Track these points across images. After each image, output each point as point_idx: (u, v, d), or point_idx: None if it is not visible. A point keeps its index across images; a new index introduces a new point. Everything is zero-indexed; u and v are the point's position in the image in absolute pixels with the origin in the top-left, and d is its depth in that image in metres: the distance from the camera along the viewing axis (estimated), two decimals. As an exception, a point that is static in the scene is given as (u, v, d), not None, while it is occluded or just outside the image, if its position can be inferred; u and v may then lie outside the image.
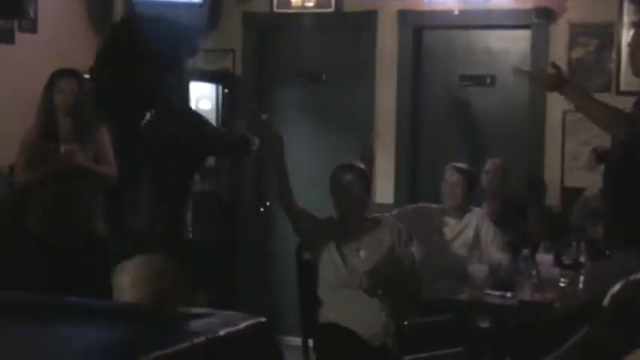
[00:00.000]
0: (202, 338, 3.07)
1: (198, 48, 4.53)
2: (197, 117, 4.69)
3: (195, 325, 3.24)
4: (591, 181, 5.67)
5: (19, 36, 6.60)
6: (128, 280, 3.34)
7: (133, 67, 4.25)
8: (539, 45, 6.89)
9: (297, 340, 5.04)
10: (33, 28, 6.69)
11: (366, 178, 5.06)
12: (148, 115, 4.37)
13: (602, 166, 5.10)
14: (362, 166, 5.10)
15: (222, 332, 3.16)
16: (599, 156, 5.25)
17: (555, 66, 4.74)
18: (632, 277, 4.14)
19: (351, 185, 4.93)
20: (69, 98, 5.85)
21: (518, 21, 6.94)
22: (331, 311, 4.86)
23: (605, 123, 4.79)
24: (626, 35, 6.25)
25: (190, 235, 4.61)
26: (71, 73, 5.97)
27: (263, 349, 3.33)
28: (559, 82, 4.60)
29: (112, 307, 3.54)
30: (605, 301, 4.17)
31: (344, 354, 4.73)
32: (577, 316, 4.44)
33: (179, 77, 4.52)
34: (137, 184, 4.38)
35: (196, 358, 2.98)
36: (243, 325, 3.27)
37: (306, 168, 6.58)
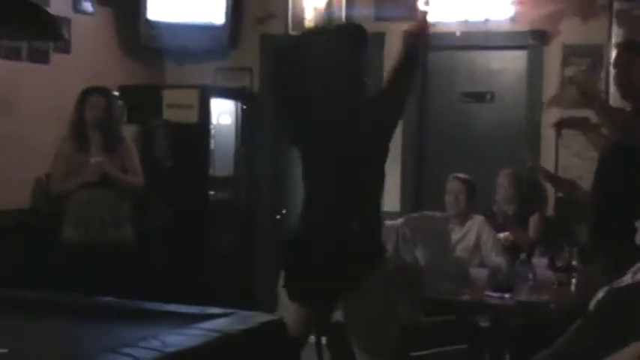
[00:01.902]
0: (222, 335, 3.10)
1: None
2: None
3: (216, 323, 3.27)
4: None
5: (53, 56, 6.64)
6: None
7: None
8: (535, 64, 6.92)
9: (310, 338, 5.04)
10: (66, 49, 6.73)
11: None
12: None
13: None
14: None
15: (241, 330, 3.19)
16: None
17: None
18: (615, 284, 4.16)
19: None
20: (99, 113, 5.88)
21: (516, 42, 6.95)
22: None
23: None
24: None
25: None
26: (101, 91, 6.00)
27: (279, 346, 3.36)
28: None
29: (140, 308, 3.58)
30: (591, 306, 4.19)
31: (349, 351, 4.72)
32: (569, 316, 4.45)
33: None
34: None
35: (217, 354, 3.01)
36: (260, 323, 3.30)
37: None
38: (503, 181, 6.37)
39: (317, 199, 4.01)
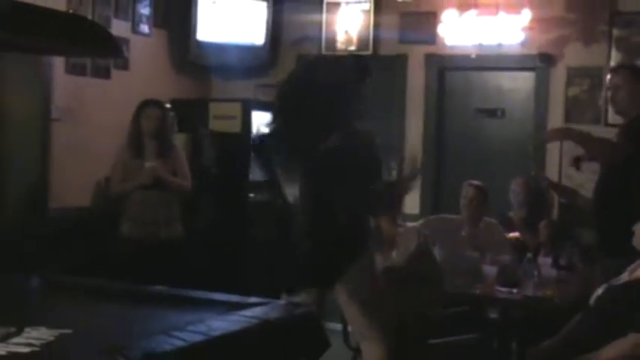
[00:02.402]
0: (262, 321, 3.11)
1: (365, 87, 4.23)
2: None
3: (256, 311, 3.27)
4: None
5: (114, 72, 6.68)
6: None
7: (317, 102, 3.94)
8: (542, 84, 6.89)
9: (338, 326, 5.03)
10: (125, 66, 6.77)
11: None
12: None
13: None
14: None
15: (278, 317, 3.19)
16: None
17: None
18: (614, 282, 4.14)
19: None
20: (154, 123, 5.90)
21: (525, 64, 6.92)
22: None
23: (597, 151, 4.88)
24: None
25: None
26: (155, 103, 6.03)
27: (311, 334, 3.35)
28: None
29: (187, 296, 3.59)
30: (591, 301, 4.17)
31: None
32: (571, 310, 4.42)
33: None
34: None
35: (257, 338, 3.01)
36: (294, 312, 3.30)
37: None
38: (515, 188, 6.35)
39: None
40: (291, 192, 4.04)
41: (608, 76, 5.28)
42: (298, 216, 4.00)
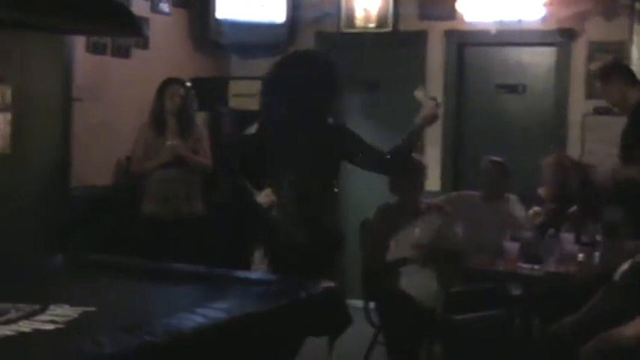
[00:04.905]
0: (285, 300, 3.10)
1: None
2: (352, 132, 4.26)
3: (281, 287, 3.26)
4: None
5: (134, 51, 6.66)
6: None
7: (304, 93, 4.14)
8: (563, 59, 6.82)
9: (359, 303, 5.02)
10: (145, 45, 6.75)
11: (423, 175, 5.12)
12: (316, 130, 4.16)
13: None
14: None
15: (298, 295, 3.18)
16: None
17: None
18: (638, 258, 4.10)
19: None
20: (176, 102, 5.89)
21: (545, 39, 6.85)
22: (391, 278, 4.85)
23: None
24: (636, 52, 6.24)
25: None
26: (177, 81, 6.02)
27: (334, 310, 3.34)
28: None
29: (209, 273, 3.58)
30: (616, 276, 4.14)
31: (401, 314, 4.71)
32: (592, 286, 4.40)
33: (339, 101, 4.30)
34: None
35: (276, 318, 3.00)
36: (318, 289, 3.29)
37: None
38: (546, 167, 6.27)
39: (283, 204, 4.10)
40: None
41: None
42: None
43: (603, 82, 5.55)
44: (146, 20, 6.64)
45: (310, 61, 4.37)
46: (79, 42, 6.17)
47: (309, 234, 4.03)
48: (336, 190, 4.27)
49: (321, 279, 3.39)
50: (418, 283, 4.73)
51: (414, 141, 4.28)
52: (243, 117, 6.90)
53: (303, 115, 4.13)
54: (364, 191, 6.32)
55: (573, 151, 6.53)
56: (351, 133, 4.21)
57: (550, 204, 5.93)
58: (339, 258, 4.36)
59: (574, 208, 5.74)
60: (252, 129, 4.33)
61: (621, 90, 5.41)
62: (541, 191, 6.16)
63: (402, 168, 4.40)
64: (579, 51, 6.74)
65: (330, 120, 4.22)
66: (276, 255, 4.16)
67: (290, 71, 4.27)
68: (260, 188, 4.26)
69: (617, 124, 5.54)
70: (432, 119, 4.28)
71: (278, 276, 3.74)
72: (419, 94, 4.31)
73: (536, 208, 5.93)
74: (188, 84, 6.05)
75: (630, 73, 5.56)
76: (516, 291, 5.05)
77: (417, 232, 4.87)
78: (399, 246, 4.83)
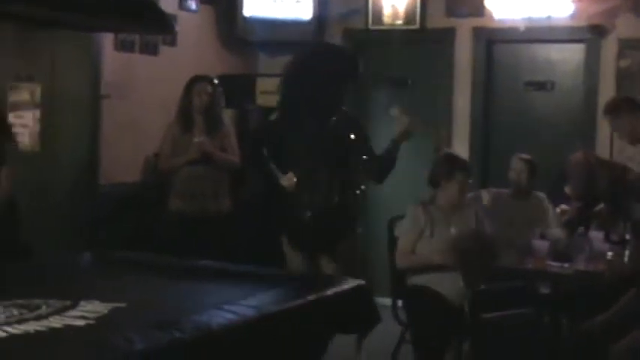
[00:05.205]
0: (314, 296, 3.09)
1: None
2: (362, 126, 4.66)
3: (310, 286, 3.25)
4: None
5: (161, 49, 6.68)
6: None
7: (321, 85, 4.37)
8: (592, 56, 6.77)
9: (387, 301, 5.02)
10: (173, 42, 6.77)
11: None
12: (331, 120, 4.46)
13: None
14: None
15: (330, 292, 3.18)
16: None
17: None
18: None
19: None
20: (204, 99, 5.90)
21: (575, 36, 6.80)
22: (419, 276, 4.84)
23: None
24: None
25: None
26: (206, 79, 6.02)
27: (363, 307, 3.34)
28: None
29: (238, 270, 3.58)
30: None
31: (429, 313, 4.69)
32: (622, 284, 4.36)
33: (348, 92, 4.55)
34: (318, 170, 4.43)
35: (305, 315, 3.00)
36: (347, 286, 3.29)
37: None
38: (571, 164, 6.23)
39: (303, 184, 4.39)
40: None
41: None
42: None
43: (612, 115, 5.58)
44: (174, 17, 6.65)
45: (329, 53, 4.63)
46: (107, 40, 6.19)
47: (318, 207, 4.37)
48: (363, 187, 4.53)
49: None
50: (446, 281, 4.71)
51: (394, 155, 4.51)
52: (270, 114, 6.95)
53: (319, 104, 4.39)
54: (392, 190, 6.30)
55: (602, 148, 6.47)
56: (362, 127, 4.57)
57: (576, 202, 5.89)
58: (354, 227, 4.56)
59: (601, 206, 5.70)
60: (273, 116, 4.62)
61: (631, 122, 5.47)
62: (567, 189, 6.13)
63: (380, 176, 4.62)
64: (609, 48, 6.69)
65: (345, 109, 4.51)
66: (293, 230, 4.49)
67: (309, 62, 4.49)
68: (283, 172, 4.48)
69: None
70: (406, 135, 4.49)
71: (307, 274, 3.74)
72: (394, 111, 4.53)
73: (563, 206, 5.89)
74: (215, 81, 6.06)
75: (638, 105, 5.57)
76: (545, 289, 5.01)
77: (452, 231, 4.85)
78: (433, 244, 4.80)
